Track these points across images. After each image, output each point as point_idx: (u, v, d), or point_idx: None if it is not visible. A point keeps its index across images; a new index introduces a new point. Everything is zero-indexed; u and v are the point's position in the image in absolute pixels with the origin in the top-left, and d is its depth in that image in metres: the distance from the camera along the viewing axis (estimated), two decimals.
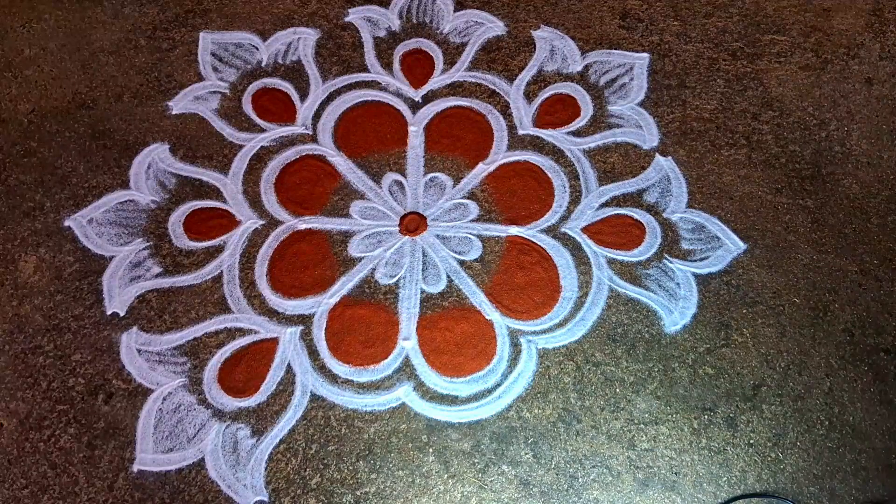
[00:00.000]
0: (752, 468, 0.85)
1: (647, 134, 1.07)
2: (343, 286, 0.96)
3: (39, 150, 1.06)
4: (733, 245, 0.98)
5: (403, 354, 0.92)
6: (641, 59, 1.13)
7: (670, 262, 0.97)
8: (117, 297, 0.95)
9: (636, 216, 1.00)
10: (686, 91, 1.10)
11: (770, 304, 0.94)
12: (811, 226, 1.00)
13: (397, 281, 0.96)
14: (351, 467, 0.85)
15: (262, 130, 1.08)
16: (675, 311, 0.94)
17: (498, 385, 0.90)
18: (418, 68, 1.13)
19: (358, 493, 0.84)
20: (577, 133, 1.07)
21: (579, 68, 1.13)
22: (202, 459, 0.85)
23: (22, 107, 1.10)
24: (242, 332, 0.93)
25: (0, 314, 0.94)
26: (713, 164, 1.04)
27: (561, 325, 0.93)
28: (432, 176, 1.04)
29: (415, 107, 1.10)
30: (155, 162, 1.05)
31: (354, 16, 1.18)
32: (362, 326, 0.93)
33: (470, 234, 1.00)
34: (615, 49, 1.14)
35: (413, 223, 1.00)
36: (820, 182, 1.01)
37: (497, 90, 1.11)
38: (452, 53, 1.14)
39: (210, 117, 1.09)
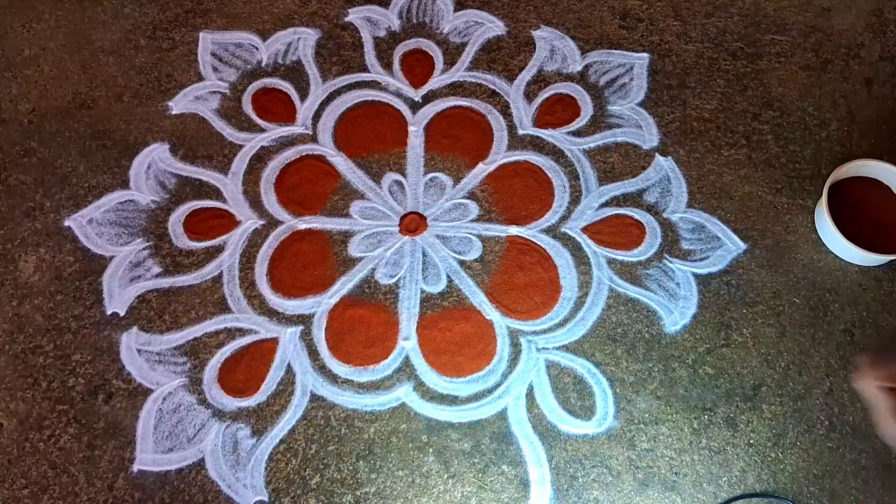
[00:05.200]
0: (752, 468, 0.85)
1: (647, 134, 1.07)
2: (343, 286, 0.96)
3: (39, 150, 1.06)
4: (733, 245, 0.98)
5: (403, 354, 0.92)
6: (641, 59, 1.13)
7: (670, 262, 0.97)
8: (117, 297, 0.95)
9: (636, 216, 1.00)
10: (686, 91, 1.10)
11: (770, 304, 0.94)
12: (811, 226, 1.00)
13: (397, 281, 0.96)
14: (351, 467, 0.85)
15: (262, 130, 1.08)
16: (675, 311, 0.94)
17: (498, 385, 0.90)
18: (418, 68, 1.13)
19: (358, 493, 0.84)
20: (577, 133, 1.07)
21: (579, 68, 1.13)
22: (202, 459, 0.85)
23: (22, 107, 1.10)
24: (242, 332, 0.93)
25: (0, 314, 0.94)
26: (713, 164, 1.04)
27: (561, 325, 0.93)
28: (432, 176, 1.04)
29: (415, 107, 1.10)
30: (155, 162, 1.05)
31: (354, 16, 1.18)
32: (362, 326, 0.93)
33: (470, 234, 1.00)
34: (615, 49, 1.14)
35: (413, 223, 1.00)
36: (820, 182, 1.00)
37: (497, 90, 1.11)
38: (452, 53, 1.14)
39: (210, 117, 1.09)
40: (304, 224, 1.01)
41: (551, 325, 0.93)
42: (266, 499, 0.83)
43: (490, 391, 0.89)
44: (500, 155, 1.06)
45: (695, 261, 0.97)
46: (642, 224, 1.00)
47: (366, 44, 1.16)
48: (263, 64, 1.14)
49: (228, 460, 0.85)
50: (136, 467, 0.85)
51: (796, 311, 0.94)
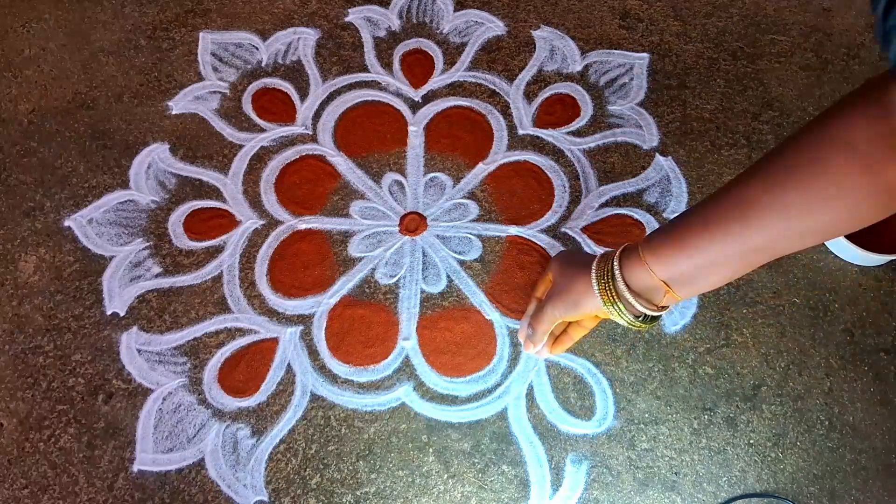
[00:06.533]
0: (752, 468, 0.85)
1: (647, 134, 1.07)
2: (343, 286, 0.96)
3: (39, 150, 1.06)
4: None
5: (403, 354, 0.92)
6: (641, 59, 1.13)
7: None
8: (117, 297, 0.95)
9: (636, 216, 1.00)
10: (686, 91, 1.10)
11: (770, 304, 0.94)
12: None
13: (397, 281, 0.96)
14: (351, 467, 0.85)
15: (262, 130, 1.08)
16: (675, 311, 0.94)
17: (498, 385, 0.90)
18: (418, 68, 1.13)
19: (358, 493, 0.84)
20: (577, 133, 1.07)
21: (579, 68, 1.13)
22: (202, 459, 0.85)
23: (22, 107, 1.10)
24: (242, 332, 0.93)
25: (0, 314, 0.94)
26: (713, 164, 1.04)
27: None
28: (432, 176, 1.04)
29: (415, 107, 1.10)
30: (155, 162, 1.05)
31: (354, 16, 1.18)
32: (362, 326, 0.93)
33: (470, 234, 1.00)
34: (615, 49, 1.14)
35: (413, 223, 1.00)
36: None
37: (497, 90, 1.11)
38: (452, 53, 1.14)
39: (210, 117, 1.09)
40: (304, 224, 1.01)
41: None
42: (266, 499, 0.83)
43: (490, 391, 0.89)
44: (500, 155, 1.06)
45: None
46: (642, 224, 1.00)
47: (366, 44, 1.16)
48: (263, 64, 1.14)
49: (228, 460, 0.85)
50: (136, 467, 0.85)
51: (796, 311, 0.94)
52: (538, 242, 0.99)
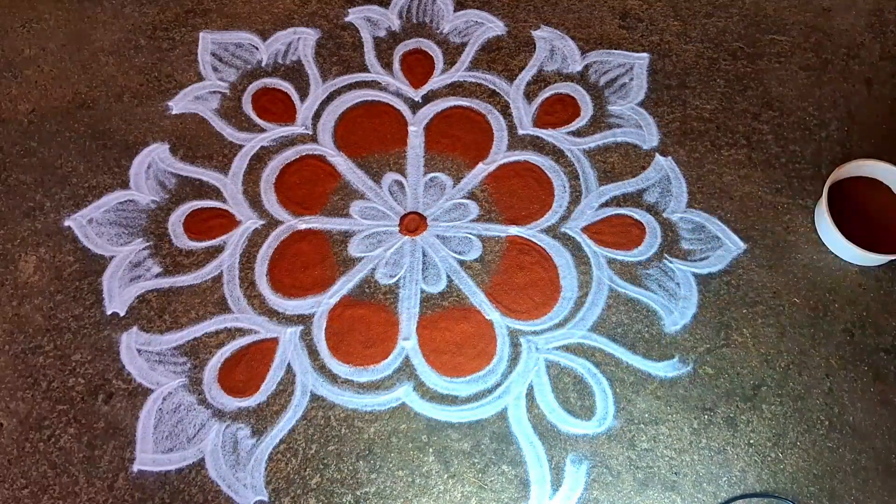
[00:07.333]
0: (752, 468, 0.85)
1: (647, 134, 1.07)
2: (343, 286, 0.96)
3: (39, 150, 1.06)
4: (733, 245, 0.98)
5: (403, 354, 0.92)
6: (641, 59, 1.13)
7: (670, 262, 0.97)
8: (117, 297, 0.95)
9: (636, 216, 1.00)
10: (686, 91, 1.10)
11: (770, 304, 0.94)
12: (811, 226, 1.00)
13: (397, 281, 0.96)
14: (351, 467, 0.85)
15: (262, 130, 1.08)
16: (675, 311, 0.94)
17: (498, 385, 0.90)
18: (418, 68, 1.13)
19: (358, 493, 0.84)
20: (577, 133, 1.07)
21: (579, 68, 1.13)
22: (202, 459, 0.85)
23: (22, 107, 1.10)
24: (242, 332, 0.93)
25: (0, 314, 0.94)
26: (713, 164, 1.04)
27: (561, 325, 0.93)
28: (432, 176, 1.04)
29: (415, 107, 1.10)
30: (155, 162, 1.05)
31: (354, 16, 1.18)
32: (362, 326, 0.93)
33: (470, 234, 1.00)
34: (615, 49, 1.14)
35: (413, 223, 1.00)
36: (820, 182, 1.00)
37: (497, 90, 1.11)
38: (452, 53, 1.14)
39: (210, 117, 1.09)
40: (304, 224, 1.01)
41: (551, 325, 0.93)
42: (266, 499, 0.83)
43: (490, 391, 0.89)
44: (500, 155, 1.06)
45: (695, 261, 0.97)
46: (642, 224, 1.00)
47: (366, 44, 1.16)
48: (263, 64, 1.14)
49: (228, 460, 0.85)
50: (136, 467, 0.85)
51: (796, 311, 0.94)
52: (538, 242, 0.99)
